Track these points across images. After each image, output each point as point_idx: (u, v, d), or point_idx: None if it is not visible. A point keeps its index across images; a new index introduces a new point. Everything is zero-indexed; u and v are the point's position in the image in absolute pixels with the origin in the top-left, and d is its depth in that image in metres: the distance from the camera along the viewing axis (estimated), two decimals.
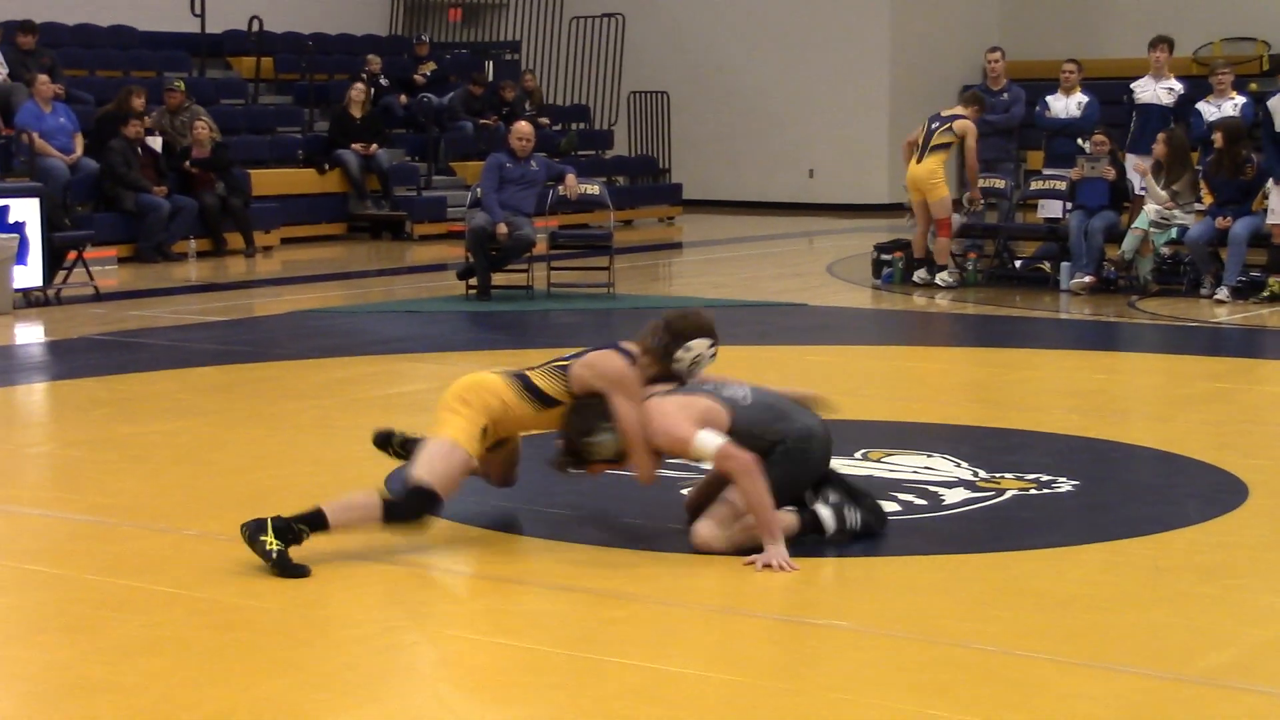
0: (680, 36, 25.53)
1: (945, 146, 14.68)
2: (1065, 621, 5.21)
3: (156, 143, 17.49)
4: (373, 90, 21.03)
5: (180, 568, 5.84)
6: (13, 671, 4.88)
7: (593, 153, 23.73)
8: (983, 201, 15.28)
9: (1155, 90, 15.43)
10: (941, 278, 14.75)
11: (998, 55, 16.15)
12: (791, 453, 5.96)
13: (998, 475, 7.13)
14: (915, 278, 14.87)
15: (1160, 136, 14.27)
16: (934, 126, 14.70)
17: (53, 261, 14.03)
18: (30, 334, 12.19)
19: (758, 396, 6.09)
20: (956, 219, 14.90)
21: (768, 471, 5.82)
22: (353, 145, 19.75)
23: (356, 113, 20.05)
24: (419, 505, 5.86)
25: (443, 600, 5.67)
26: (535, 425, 6.28)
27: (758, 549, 5.78)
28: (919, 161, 14.68)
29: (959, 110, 14.87)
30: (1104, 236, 14.34)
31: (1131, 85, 15.66)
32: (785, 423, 6.01)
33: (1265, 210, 13.63)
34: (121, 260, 16.57)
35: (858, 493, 6.12)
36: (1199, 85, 16.04)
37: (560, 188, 14.22)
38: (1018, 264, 15.40)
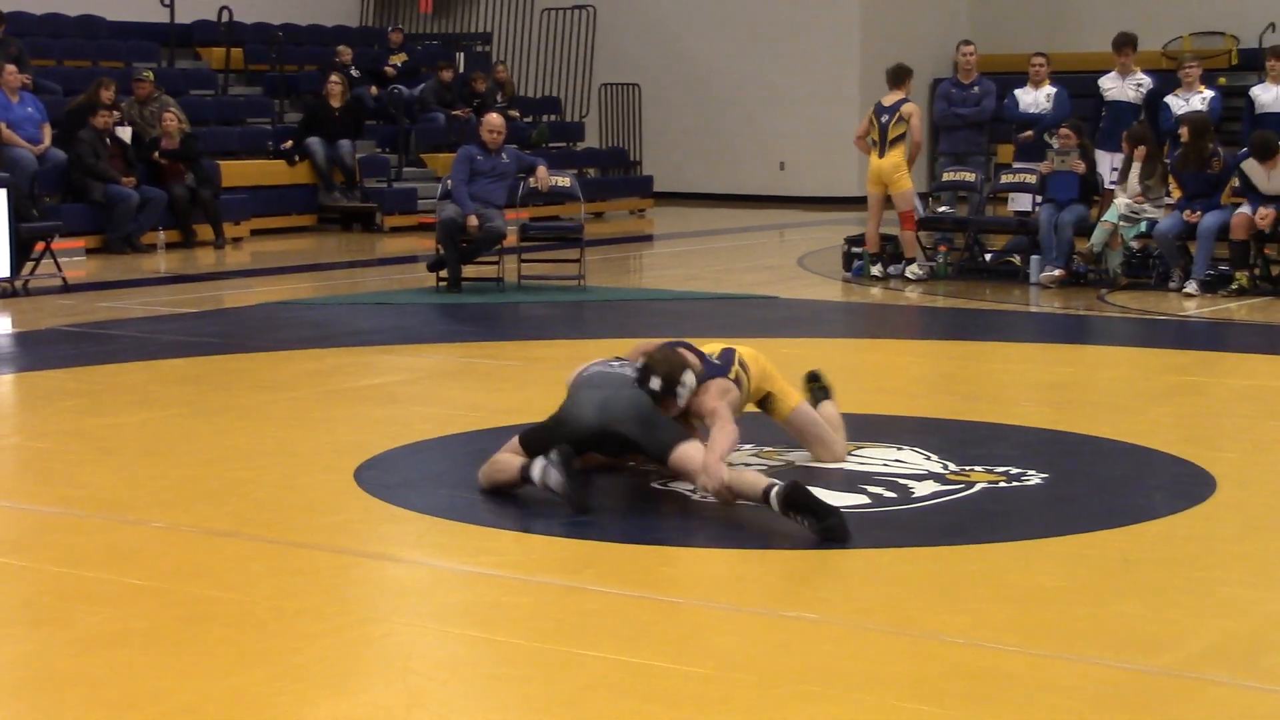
0: (652, 29, 25.54)
1: (902, 137, 14.73)
2: (1034, 613, 5.23)
3: (125, 133, 17.43)
4: (345, 81, 21.00)
5: (149, 560, 5.84)
6: None
7: (564, 145, 23.74)
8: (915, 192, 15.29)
9: (1123, 87, 15.54)
10: (911, 270, 14.78)
11: (971, 49, 16.13)
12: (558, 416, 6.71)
13: (967, 468, 7.15)
14: (874, 272, 14.88)
15: (1125, 135, 14.37)
16: (884, 120, 14.72)
17: (20, 253, 13.98)
18: None
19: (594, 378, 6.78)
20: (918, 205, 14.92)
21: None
22: (308, 139, 19.79)
23: (335, 104, 20.03)
24: None
25: (413, 593, 5.67)
26: None
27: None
28: (881, 156, 14.73)
29: (898, 95, 14.87)
30: (1073, 230, 14.39)
31: (1100, 83, 15.74)
32: (567, 400, 6.74)
33: (1233, 204, 13.71)
34: (90, 251, 16.53)
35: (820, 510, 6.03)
36: (1168, 79, 16.09)
37: (531, 180, 14.22)
38: (988, 257, 15.45)
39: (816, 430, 7.22)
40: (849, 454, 7.34)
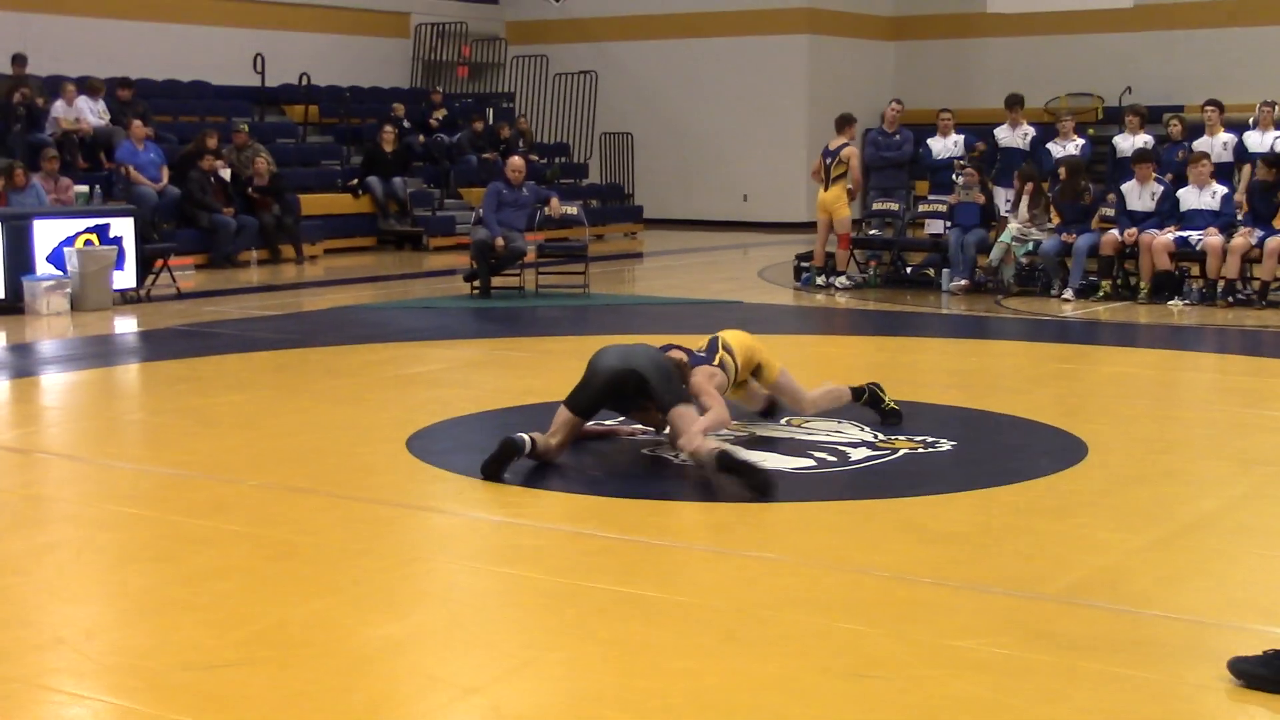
0: (643, 90, 25.49)
1: (843, 175, 14.72)
2: (945, 552, 5.22)
3: (226, 173, 17.39)
4: (397, 131, 20.96)
5: (244, 510, 5.83)
6: (114, 592, 4.86)
7: (572, 181, 23.66)
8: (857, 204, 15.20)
9: (1013, 137, 15.53)
10: (840, 281, 14.77)
11: (899, 105, 16.10)
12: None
13: (893, 437, 7.15)
14: (819, 282, 14.88)
15: (1016, 174, 14.39)
16: (828, 161, 14.73)
17: (144, 268, 13.95)
18: (126, 325, 12.11)
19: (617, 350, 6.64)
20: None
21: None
22: (369, 177, 19.81)
23: (388, 148, 20.02)
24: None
25: (452, 537, 5.66)
26: None
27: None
28: (826, 189, 14.75)
29: (842, 140, 14.84)
30: (976, 249, 14.38)
31: (995, 132, 15.72)
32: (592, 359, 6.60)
33: (1102, 228, 13.73)
34: (198, 267, 16.48)
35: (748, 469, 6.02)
36: (1048, 130, 16.07)
37: (546, 209, 14.20)
38: (908, 270, 15.42)
39: (794, 392, 7.29)
40: (801, 425, 7.34)
